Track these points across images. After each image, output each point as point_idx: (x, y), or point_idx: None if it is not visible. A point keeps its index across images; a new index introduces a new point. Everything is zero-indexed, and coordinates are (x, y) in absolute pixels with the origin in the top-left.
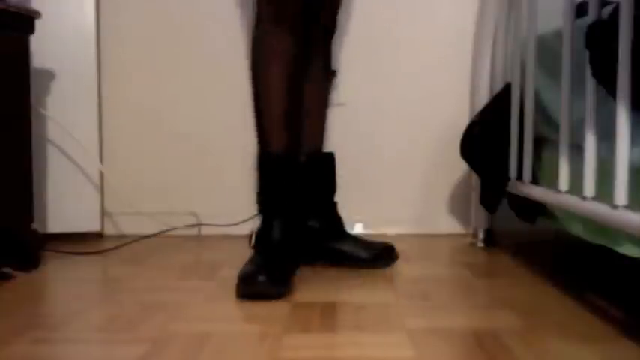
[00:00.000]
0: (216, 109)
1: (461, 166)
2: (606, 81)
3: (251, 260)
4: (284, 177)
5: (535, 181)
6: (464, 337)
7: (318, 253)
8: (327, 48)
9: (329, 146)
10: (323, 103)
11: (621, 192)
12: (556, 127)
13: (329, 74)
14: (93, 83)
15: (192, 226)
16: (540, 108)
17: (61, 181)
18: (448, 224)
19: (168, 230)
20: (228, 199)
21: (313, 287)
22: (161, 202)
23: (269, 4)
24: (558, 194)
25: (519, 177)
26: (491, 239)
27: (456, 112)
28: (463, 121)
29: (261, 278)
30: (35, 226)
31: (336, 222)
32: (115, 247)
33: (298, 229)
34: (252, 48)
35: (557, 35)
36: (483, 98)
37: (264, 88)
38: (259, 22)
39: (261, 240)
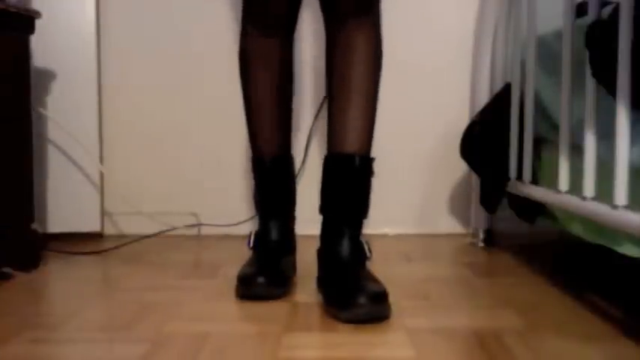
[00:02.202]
0: (217, 108)
1: (461, 166)
2: (606, 81)
3: (250, 262)
4: (277, 179)
5: (535, 181)
6: (464, 337)
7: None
8: (357, 26)
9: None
10: (349, 93)
11: (621, 192)
12: (556, 127)
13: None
14: (93, 83)
15: (192, 226)
16: (540, 108)
17: (61, 181)
18: (448, 224)
19: (168, 230)
20: (228, 199)
21: (313, 287)
22: (161, 202)
23: (250, 8)
24: (558, 194)
25: (519, 177)
26: (492, 239)
27: (456, 112)
28: (463, 121)
29: (260, 280)
30: (35, 226)
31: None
32: (115, 247)
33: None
34: (239, 55)
35: (557, 35)
36: (483, 98)
37: (252, 93)
38: (244, 28)
39: (260, 241)
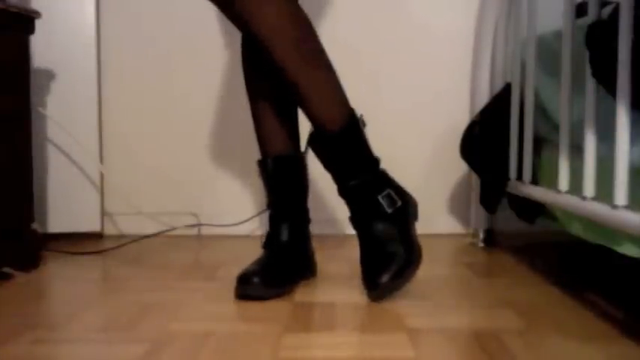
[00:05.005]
0: (217, 109)
1: (461, 166)
2: (606, 81)
3: (255, 261)
4: (281, 179)
5: (535, 181)
6: (464, 337)
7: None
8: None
9: None
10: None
11: (621, 192)
12: (556, 127)
13: None
14: (93, 83)
15: (192, 226)
16: (540, 108)
17: (61, 181)
18: (448, 224)
19: (168, 230)
20: (228, 199)
21: (313, 287)
22: (161, 202)
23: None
24: (558, 194)
25: (519, 177)
26: (492, 239)
27: (456, 112)
28: (463, 122)
29: (255, 280)
30: (35, 226)
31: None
32: (115, 247)
33: (307, 232)
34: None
35: (557, 35)
36: (483, 98)
37: (253, 94)
38: (242, 38)
39: (269, 242)
